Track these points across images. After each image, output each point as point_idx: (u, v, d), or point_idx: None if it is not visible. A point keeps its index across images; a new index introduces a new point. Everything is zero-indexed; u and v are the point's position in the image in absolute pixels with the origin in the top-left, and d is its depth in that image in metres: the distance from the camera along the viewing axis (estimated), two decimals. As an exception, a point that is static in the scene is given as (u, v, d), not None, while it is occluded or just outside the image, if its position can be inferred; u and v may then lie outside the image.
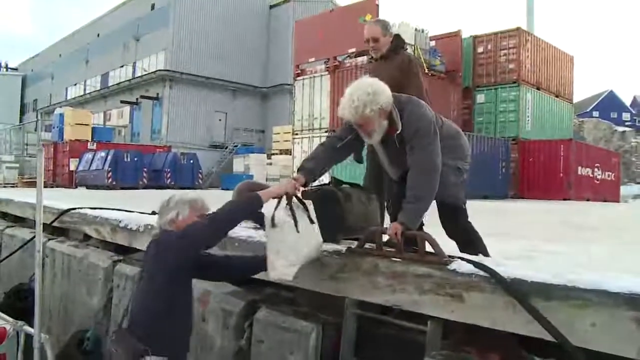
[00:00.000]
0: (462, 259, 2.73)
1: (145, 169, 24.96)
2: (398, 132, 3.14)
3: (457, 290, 2.58)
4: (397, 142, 3.18)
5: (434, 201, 3.26)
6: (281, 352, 3.27)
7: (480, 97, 21.11)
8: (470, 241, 3.39)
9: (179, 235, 2.85)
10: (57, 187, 24.87)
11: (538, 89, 21.27)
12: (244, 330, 3.56)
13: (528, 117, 20.74)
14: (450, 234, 3.47)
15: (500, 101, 20.69)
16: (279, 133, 30.23)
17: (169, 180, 25.35)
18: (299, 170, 3.24)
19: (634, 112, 63.02)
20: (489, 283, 2.50)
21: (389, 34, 4.30)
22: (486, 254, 3.29)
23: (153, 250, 2.94)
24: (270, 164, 28.58)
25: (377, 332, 3.01)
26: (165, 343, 2.73)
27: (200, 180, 27.16)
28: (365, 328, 3.05)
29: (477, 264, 2.61)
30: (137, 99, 37.09)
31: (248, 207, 2.97)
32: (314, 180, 3.34)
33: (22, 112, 56.64)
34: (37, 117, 47.93)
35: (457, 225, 3.46)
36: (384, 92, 3.11)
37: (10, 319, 4.73)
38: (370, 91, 3.05)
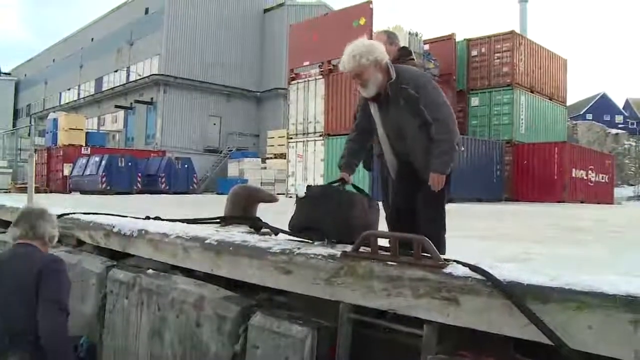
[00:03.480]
0: (458, 262, 2.72)
1: (139, 174, 24.94)
2: (392, 80, 3.48)
3: (453, 294, 2.57)
4: (389, 92, 3.49)
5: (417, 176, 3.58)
6: (276, 358, 3.24)
7: (474, 100, 21.18)
8: (435, 235, 3.27)
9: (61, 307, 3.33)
10: (50, 192, 24.76)
11: (532, 91, 21.35)
12: (239, 336, 3.52)
13: (522, 119, 20.81)
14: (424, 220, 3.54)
15: (495, 104, 20.76)
16: (273, 137, 30.25)
17: (163, 185, 25.31)
18: (339, 168, 3.81)
19: (626, 114, 63.34)
20: (484, 286, 2.48)
21: (394, 43, 4.37)
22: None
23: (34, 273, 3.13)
24: (265, 168, 28.59)
25: (372, 337, 2.99)
26: None
27: (195, 185, 27.13)
28: (361, 332, 3.03)
29: (473, 267, 2.60)
30: (131, 103, 37.04)
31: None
32: (352, 173, 3.79)
33: (16, 117, 56.43)
34: (30, 122, 47.75)
35: (436, 210, 3.58)
36: (379, 48, 3.52)
37: None
38: (366, 44, 3.50)
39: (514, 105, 20.35)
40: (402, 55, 4.36)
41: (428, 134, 3.51)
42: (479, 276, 2.53)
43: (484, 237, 5.92)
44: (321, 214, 3.53)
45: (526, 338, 2.36)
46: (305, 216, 3.66)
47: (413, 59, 4.45)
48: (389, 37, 4.38)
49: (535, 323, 2.27)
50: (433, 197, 3.53)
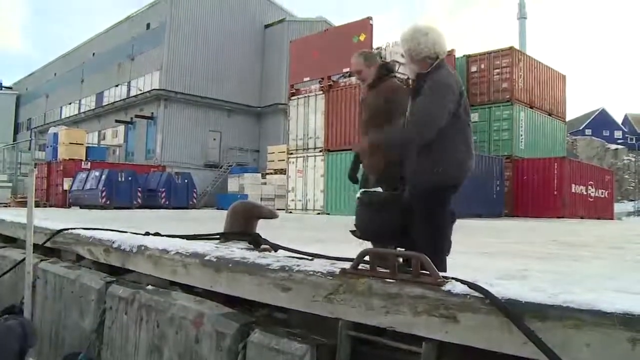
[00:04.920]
0: (456, 279, 2.72)
1: (139, 189, 24.93)
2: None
3: (452, 311, 2.57)
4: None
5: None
6: (275, 375, 3.24)
7: (474, 116, 21.23)
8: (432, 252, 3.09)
9: None
10: (50, 206, 24.75)
11: (531, 107, 21.44)
12: (238, 352, 3.52)
13: (522, 135, 20.88)
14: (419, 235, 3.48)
15: (494, 120, 20.84)
16: (273, 152, 30.31)
17: (163, 200, 25.30)
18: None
19: (625, 129, 63.53)
20: (483, 304, 2.48)
21: (373, 64, 4.39)
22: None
23: None
24: (265, 183, 28.59)
25: (372, 354, 2.98)
26: None
27: (194, 200, 27.11)
28: (360, 349, 3.02)
29: (471, 285, 2.60)
30: (131, 118, 37.15)
31: None
32: None
33: (16, 131, 56.54)
34: (31, 136, 47.84)
35: (432, 225, 3.49)
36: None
37: None
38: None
39: (513, 121, 20.43)
40: (382, 75, 4.38)
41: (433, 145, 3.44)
42: (477, 294, 2.53)
43: (483, 253, 5.93)
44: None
45: (525, 356, 2.36)
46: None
47: (394, 77, 4.49)
48: (366, 58, 4.41)
49: (533, 341, 2.27)
50: (427, 212, 3.48)
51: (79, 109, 45.17)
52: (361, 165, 4.53)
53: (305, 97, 21.02)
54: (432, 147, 3.42)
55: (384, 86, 4.33)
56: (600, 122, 62.05)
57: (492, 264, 5.03)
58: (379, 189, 3.82)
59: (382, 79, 4.34)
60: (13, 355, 3.16)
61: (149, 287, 4.80)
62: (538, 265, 4.97)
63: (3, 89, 60.35)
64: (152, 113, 35.61)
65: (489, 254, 5.94)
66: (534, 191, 19.76)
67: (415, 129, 3.42)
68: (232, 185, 30.02)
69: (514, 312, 2.36)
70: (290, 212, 20.27)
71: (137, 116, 36.48)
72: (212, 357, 3.74)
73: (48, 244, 6.76)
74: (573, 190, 20.03)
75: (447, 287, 2.67)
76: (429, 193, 3.43)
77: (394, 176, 4.26)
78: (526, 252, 6.46)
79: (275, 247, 4.23)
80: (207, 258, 4.08)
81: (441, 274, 2.84)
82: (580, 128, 59.16)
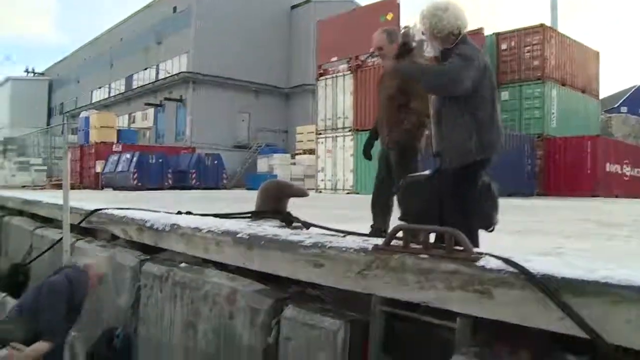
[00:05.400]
0: (491, 255, 2.70)
1: (170, 170, 25.21)
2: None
3: (486, 287, 2.55)
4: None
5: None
6: (309, 349, 3.27)
7: (504, 94, 20.84)
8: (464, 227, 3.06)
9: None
10: (83, 188, 25.25)
11: (563, 85, 20.95)
12: (272, 328, 3.56)
13: (553, 113, 20.43)
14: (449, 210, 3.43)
15: (525, 98, 20.42)
16: (302, 133, 30.30)
17: (193, 181, 25.57)
18: None
19: (662, 106, 61.69)
20: (518, 279, 2.46)
21: (395, 41, 4.38)
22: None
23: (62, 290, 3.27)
24: (294, 163, 28.62)
25: (405, 329, 2.99)
26: None
27: (224, 181, 27.33)
28: (393, 325, 3.03)
29: (506, 260, 2.58)
30: (160, 101, 37.48)
31: None
32: None
33: (49, 115, 57.57)
34: (63, 120, 48.67)
35: (463, 200, 3.44)
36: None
37: None
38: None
39: (544, 99, 19.99)
40: (402, 52, 4.38)
41: (466, 121, 3.40)
42: (512, 269, 2.51)
43: (515, 231, 5.85)
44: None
45: (562, 332, 2.33)
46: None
47: (414, 53, 4.46)
48: (389, 35, 4.41)
49: (571, 316, 2.24)
50: (458, 188, 3.43)
51: (109, 92, 45.73)
52: (377, 141, 4.56)
53: (333, 77, 20.92)
54: (462, 124, 3.39)
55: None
56: (637, 99, 60.31)
57: (524, 242, 4.97)
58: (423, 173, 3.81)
59: (402, 56, 4.33)
60: (61, 311, 3.29)
61: (182, 264, 4.87)
62: (573, 243, 4.89)
63: (36, 75, 61.41)
64: (181, 95, 35.86)
65: (520, 232, 5.86)
66: (566, 170, 19.37)
67: (444, 78, 3.41)
68: (262, 165, 30.14)
69: (550, 287, 2.33)
70: (320, 192, 20.32)
71: (166, 99, 36.79)
72: (246, 333, 3.80)
73: (83, 224, 6.91)
74: (607, 169, 19.58)
75: (481, 262, 2.65)
76: (460, 169, 3.40)
77: (413, 150, 4.26)
78: (560, 230, 6.36)
79: (307, 225, 4.25)
80: (239, 236, 4.11)
81: (475, 249, 2.82)
82: (616, 105, 57.57)
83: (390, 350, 2.98)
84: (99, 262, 5.16)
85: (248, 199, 7.42)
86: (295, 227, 4.42)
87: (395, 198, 4.19)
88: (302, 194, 5.38)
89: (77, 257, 5.81)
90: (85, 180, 27.53)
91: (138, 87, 40.85)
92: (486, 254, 2.74)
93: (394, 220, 3.89)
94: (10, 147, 34.81)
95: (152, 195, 16.35)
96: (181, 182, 24.84)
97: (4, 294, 5.41)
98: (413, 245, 2.99)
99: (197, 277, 4.51)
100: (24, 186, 24.14)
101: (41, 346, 3.19)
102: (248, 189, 24.26)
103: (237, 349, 3.86)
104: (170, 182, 24.80)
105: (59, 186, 17.17)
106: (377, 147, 4.69)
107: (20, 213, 10.71)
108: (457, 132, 3.40)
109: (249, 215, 5.09)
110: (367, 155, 4.78)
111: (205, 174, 26.23)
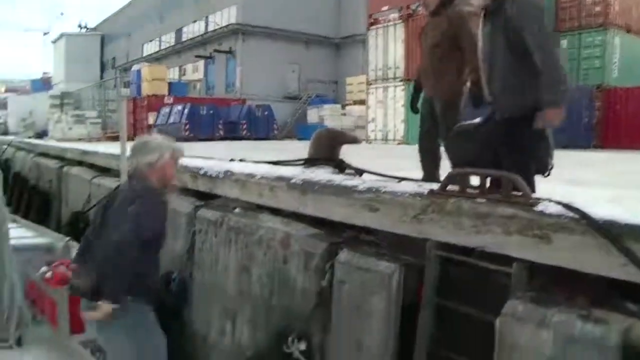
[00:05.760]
0: (550, 200, 2.65)
1: (221, 121, 25.48)
2: None
3: (545, 232, 2.51)
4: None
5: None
6: (363, 293, 3.32)
7: (562, 43, 19.95)
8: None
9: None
10: (138, 140, 25.84)
11: (628, 31, 19.85)
12: (326, 272, 3.62)
13: (615, 62, 19.47)
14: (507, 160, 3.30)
15: (584, 47, 19.50)
16: (352, 84, 29.95)
17: (244, 132, 25.80)
18: None
19: None
20: (578, 224, 2.41)
21: None
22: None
23: (128, 205, 3.21)
24: (345, 114, 28.41)
25: (460, 274, 2.98)
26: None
27: (275, 131, 27.47)
28: (448, 269, 3.03)
29: (566, 205, 2.53)
30: (210, 53, 37.56)
31: None
32: None
33: (102, 69, 58.69)
34: (115, 74, 49.54)
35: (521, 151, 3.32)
36: None
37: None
38: None
39: (606, 47, 19.04)
40: (446, 1, 4.31)
41: (522, 67, 3.24)
42: (573, 214, 2.46)
43: (571, 181, 5.69)
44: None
45: (624, 278, 2.29)
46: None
47: (456, 3, 4.33)
48: None
49: (634, 262, 2.19)
50: (513, 134, 3.32)
51: (160, 46, 46.09)
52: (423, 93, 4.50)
53: (384, 26, 20.48)
54: (517, 71, 3.27)
55: (447, 13, 4.29)
56: None
57: (582, 192, 4.83)
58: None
59: (445, 5, 4.29)
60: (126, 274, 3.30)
61: (237, 210, 4.97)
62: (633, 193, 4.73)
63: (88, 30, 62.43)
64: (231, 47, 35.82)
65: (577, 182, 5.70)
66: (627, 122, 18.54)
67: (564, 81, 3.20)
68: (312, 116, 30.06)
69: (613, 233, 2.28)
70: (370, 143, 20.23)
71: (215, 51, 36.84)
72: (300, 277, 3.88)
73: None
74: (673, 121, 18.67)
75: (540, 207, 2.61)
76: (515, 115, 3.30)
77: (459, 99, 4.18)
78: (619, 182, 6.16)
79: (360, 172, 4.25)
80: (293, 181, 4.16)
81: (533, 194, 2.77)
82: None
83: (444, 295, 3.00)
84: None
85: (300, 148, 7.45)
86: (349, 174, 4.43)
87: (442, 148, 4.16)
88: (354, 140, 5.37)
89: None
90: (139, 132, 28.04)
91: (188, 40, 40.99)
92: (545, 199, 2.69)
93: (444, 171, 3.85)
94: (67, 101, 35.77)
95: (204, 145, 16.63)
96: (232, 133, 25.08)
97: (67, 238, 5.68)
98: (469, 190, 2.96)
99: (251, 222, 4.60)
100: (80, 139, 24.88)
101: (106, 307, 3.25)
102: (299, 139, 24.32)
103: (291, 292, 3.95)
104: (221, 133, 25.09)
105: (113, 138, 17.62)
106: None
107: (80, 163, 11.11)
108: (513, 79, 3.28)
109: (302, 162, 5.13)
110: (414, 108, 4.77)
111: (256, 125, 26.39)
